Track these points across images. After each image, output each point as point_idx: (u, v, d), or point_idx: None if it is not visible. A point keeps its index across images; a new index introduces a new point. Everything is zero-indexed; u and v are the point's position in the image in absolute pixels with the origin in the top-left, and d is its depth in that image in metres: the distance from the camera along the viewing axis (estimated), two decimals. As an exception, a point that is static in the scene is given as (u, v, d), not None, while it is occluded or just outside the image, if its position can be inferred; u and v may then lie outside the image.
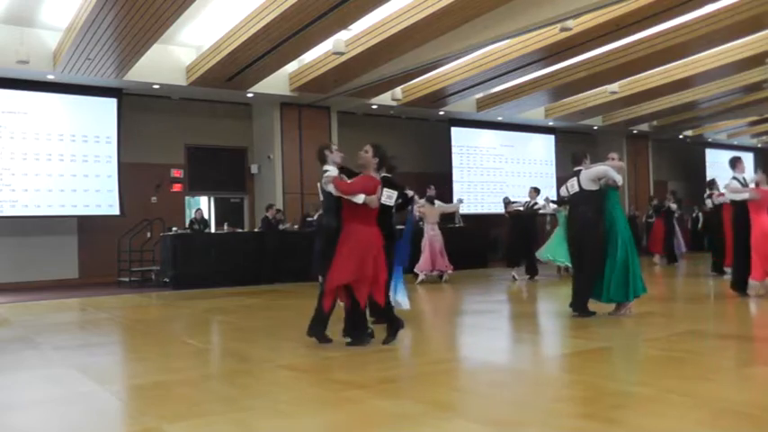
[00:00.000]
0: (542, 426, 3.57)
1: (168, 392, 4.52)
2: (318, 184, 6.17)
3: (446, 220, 14.05)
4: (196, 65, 13.45)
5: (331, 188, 5.78)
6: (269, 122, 16.06)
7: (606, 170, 7.14)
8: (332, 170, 5.97)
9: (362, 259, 5.60)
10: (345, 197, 5.68)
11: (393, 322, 5.90)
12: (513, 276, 12.54)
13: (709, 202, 12.32)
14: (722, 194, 10.65)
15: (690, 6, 11.25)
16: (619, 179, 7.12)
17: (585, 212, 7.15)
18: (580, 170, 7.30)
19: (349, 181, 5.81)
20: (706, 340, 6.19)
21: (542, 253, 12.92)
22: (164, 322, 8.86)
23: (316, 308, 5.94)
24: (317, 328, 5.86)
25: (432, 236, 12.14)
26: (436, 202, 12.64)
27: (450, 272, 12.37)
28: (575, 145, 21.76)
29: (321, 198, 6.23)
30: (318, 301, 5.91)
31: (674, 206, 16.18)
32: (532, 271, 12.58)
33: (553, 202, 13.03)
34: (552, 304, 9.76)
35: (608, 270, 7.04)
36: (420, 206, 10.51)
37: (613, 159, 7.46)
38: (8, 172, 13.32)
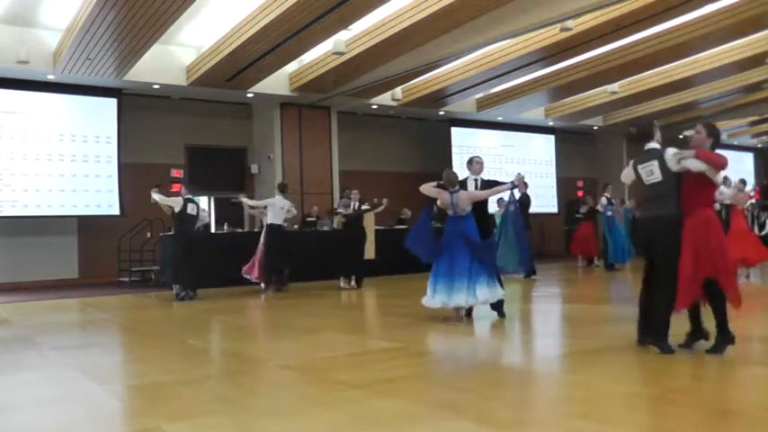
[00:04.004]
0: (542, 426, 3.57)
1: (168, 392, 4.52)
2: (654, 164, 4.99)
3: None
4: (196, 65, 13.44)
5: (690, 163, 4.77)
6: (269, 122, 16.05)
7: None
8: (669, 149, 4.97)
9: (722, 247, 4.90)
10: (717, 171, 4.80)
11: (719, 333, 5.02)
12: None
13: None
14: None
15: (690, 6, 11.24)
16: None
17: None
18: None
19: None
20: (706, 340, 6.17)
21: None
22: (164, 322, 8.86)
23: (657, 311, 5.10)
24: (661, 335, 5.05)
25: None
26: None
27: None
28: (575, 145, 21.93)
29: (653, 180, 5.02)
30: (662, 302, 5.00)
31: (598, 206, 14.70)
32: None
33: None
34: (552, 305, 9.75)
35: None
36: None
37: None
38: (8, 172, 13.30)
